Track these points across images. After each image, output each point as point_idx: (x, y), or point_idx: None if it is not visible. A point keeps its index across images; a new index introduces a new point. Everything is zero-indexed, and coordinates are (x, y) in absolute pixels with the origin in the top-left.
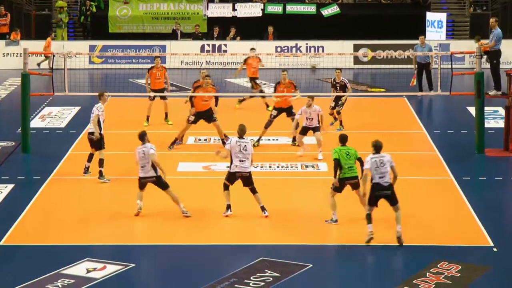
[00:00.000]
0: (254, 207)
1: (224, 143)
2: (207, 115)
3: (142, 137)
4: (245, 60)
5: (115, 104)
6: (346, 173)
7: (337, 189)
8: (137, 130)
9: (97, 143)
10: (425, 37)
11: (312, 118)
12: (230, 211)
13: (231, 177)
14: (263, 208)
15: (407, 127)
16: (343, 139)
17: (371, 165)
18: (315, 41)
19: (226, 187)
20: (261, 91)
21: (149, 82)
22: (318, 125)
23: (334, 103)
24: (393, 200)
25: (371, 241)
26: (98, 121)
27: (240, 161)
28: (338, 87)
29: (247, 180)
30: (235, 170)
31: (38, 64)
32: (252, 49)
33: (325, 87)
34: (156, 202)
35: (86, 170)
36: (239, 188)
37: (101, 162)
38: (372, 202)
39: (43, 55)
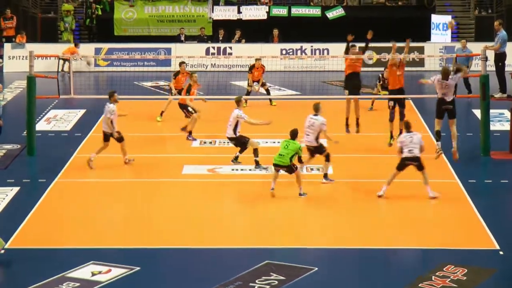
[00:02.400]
0: (261, 210)
1: None
2: None
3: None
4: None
5: (120, 107)
6: (275, 159)
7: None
8: (142, 132)
9: (243, 143)
10: (466, 41)
11: None
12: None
13: None
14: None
15: (412, 130)
16: (292, 134)
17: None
18: (320, 43)
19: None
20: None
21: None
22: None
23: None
24: (453, 114)
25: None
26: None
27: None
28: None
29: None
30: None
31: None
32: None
33: (330, 90)
34: (161, 204)
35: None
36: (245, 193)
37: (255, 152)
38: (439, 115)
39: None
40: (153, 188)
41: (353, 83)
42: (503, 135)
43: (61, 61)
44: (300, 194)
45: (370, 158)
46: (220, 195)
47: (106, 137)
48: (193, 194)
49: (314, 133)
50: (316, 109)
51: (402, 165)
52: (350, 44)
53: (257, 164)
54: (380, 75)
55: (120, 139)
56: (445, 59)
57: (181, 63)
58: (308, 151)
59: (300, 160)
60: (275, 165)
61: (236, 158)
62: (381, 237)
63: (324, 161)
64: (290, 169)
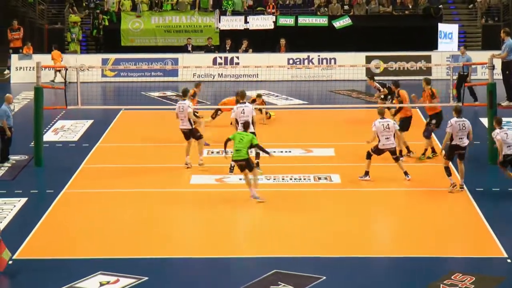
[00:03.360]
0: (269, 219)
1: None
2: None
3: (185, 92)
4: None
5: (127, 117)
6: (233, 156)
7: (231, 169)
8: (148, 143)
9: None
10: (465, 47)
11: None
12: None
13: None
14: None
15: (419, 139)
16: (244, 126)
17: (452, 129)
18: (327, 53)
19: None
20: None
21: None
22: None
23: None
24: (463, 156)
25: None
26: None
27: (240, 123)
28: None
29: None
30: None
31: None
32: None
33: (337, 99)
34: (169, 214)
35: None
36: (252, 202)
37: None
38: (450, 158)
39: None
40: (161, 198)
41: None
42: None
43: (61, 72)
44: (253, 197)
45: (376, 167)
46: (228, 204)
47: (188, 135)
48: (201, 204)
49: (392, 134)
50: (381, 113)
51: (506, 162)
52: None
53: (257, 165)
54: (387, 85)
55: (200, 136)
56: (452, 67)
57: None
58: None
59: (258, 156)
60: (235, 161)
61: (232, 169)
62: (389, 246)
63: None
64: (249, 164)
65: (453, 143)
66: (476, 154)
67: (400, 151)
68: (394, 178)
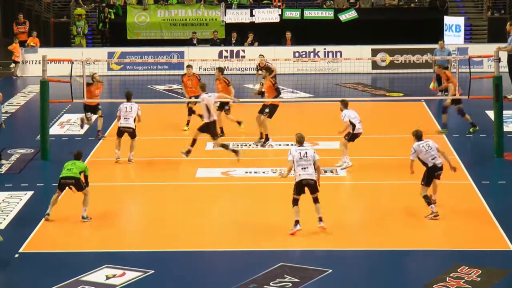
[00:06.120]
0: (274, 213)
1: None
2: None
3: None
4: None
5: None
6: (63, 173)
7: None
8: (154, 136)
9: None
10: (444, 41)
11: None
12: (299, 226)
13: (298, 187)
14: (320, 219)
15: (425, 132)
16: (76, 156)
17: (418, 152)
18: (333, 46)
19: (295, 202)
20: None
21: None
22: None
23: None
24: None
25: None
26: None
27: (302, 168)
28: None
29: (313, 187)
30: (300, 178)
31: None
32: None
33: (343, 92)
34: (175, 208)
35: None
36: (258, 196)
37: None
38: (429, 183)
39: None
40: (167, 191)
41: None
42: None
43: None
44: (82, 217)
45: (382, 160)
46: (234, 198)
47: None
48: (207, 197)
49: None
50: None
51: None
52: None
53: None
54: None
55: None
56: (458, 60)
57: (187, 66)
58: None
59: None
60: (63, 178)
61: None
62: (395, 239)
63: None
64: (79, 184)
65: (430, 166)
66: (482, 147)
67: (261, 134)
68: (399, 172)
